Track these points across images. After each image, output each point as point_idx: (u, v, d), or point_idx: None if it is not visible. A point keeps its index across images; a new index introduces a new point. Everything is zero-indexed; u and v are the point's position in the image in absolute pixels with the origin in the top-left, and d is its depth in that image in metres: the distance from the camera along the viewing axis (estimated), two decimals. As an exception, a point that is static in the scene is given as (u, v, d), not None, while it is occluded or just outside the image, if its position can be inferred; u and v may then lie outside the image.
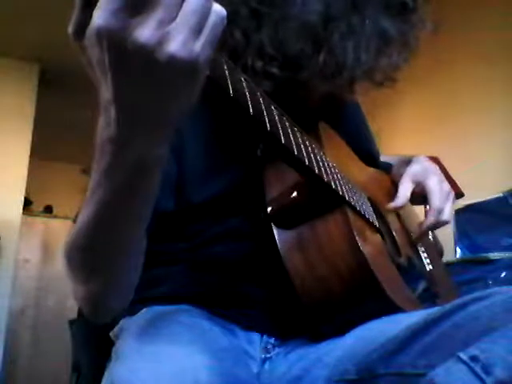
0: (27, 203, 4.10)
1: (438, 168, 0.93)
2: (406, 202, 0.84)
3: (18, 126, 3.50)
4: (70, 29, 0.39)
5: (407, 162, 0.95)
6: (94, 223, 0.49)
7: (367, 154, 0.94)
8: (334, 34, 0.64)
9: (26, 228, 3.90)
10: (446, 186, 0.88)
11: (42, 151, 4.12)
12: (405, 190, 0.84)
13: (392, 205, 0.83)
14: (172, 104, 0.40)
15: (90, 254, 0.53)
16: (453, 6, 2.47)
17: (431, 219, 0.83)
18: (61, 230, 4.34)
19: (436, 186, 0.86)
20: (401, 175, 0.90)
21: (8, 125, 3.44)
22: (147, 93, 0.39)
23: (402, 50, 0.70)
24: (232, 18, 0.66)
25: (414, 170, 0.89)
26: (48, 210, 4.77)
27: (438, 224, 0.84)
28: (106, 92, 0.39)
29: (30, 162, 3.51)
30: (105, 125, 0.41)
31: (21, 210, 3.47)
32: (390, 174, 1.00)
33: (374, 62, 0.66)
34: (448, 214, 0.85)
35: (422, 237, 0.90)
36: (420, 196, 0.88)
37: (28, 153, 3.50)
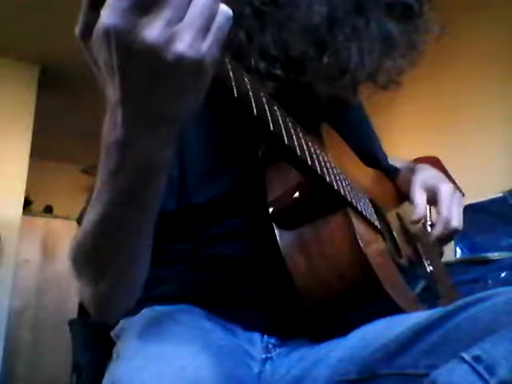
0: (27, 203, 4.10)
1: (442, 175, 0.91)
2: (425, 211, 0.82)
3: (18, 126, 3.49)
4: (77, 29, 0.39)
5: (411, 169, 0.94)
6: (101, 224, 0.49)
7: (370, 155, 0.93)
8: (338, 36, 0.64)
9: (26, 228, 3.90)
10: (458, 193, 0.86)
11: (42, 151, 4.11)
12: (421, 199, 0.83)
13: (415, 218, 0.81)
14: (179, 104, 0.40)
15: (97, 255, 0.53)
16: (454, 8, 2.47)
17: (440, 227, 0.81)
18: (61, 230, 4.34)
19: (448, 192, 0.83)
20: (407, 183, 0.90)
21: (8, 125, 3.44)
22: (154, 93, 0.39)
23: (408, 54, 0.70)
24: (236, 19, 0.66)
25: (422, 177, 0.87)
26: (48, 210, 4.77)
27: (448, 232, 0.82)
28: (112, 93, 0.39)
29: (30, 162, 3.51)
30: (111, 126, 0.41)
31: (21, 210, 3.46)
32: (397, 178, 1.00)
33: (377, 64, 0.66)
34: (459, 220, 0.82)
35: (431, 245, 0.89)
36: (430, 201, 0.86)
37: (28, 153, 3.50)
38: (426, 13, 0.70)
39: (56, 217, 4.60)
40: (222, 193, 0.72)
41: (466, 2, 2.60)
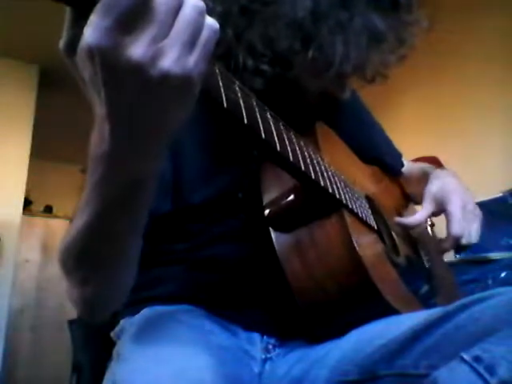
0: (27, 203, 4.10)
1: (457, 182, 0.88)
2: (416, 226, 0.83)
3: (18, 126, 3.49)
4: (61, 44, 0.39)
5: (426, 175, 0.93)
6: (88, 232, 0.49)
7: (370, 153, 0.93)
8: (322, 30, 0.64)
9: (26, 228, 3.90)
10: (470, 205, 0.84)
11: (42, 151, 4.11)
12: (422, 215, 0.82)
13: (399, 220, 0.82)
14: (166, 120, 0.40)
15: (83, 260, 0.53)
16: (455, 6, 2.47)
17: (447, 246, 0.81)
18: (61, 230, 4.33)
19: (457, 211, 0.81)
20: (415, 184, 0.89)
21: (8, 125, 3.43)
22: (141, 110, 0.38)
23: (396, 48, 0.70)
24: (224, 17, 0.66)
25: (433, 189, 0.86)
26: (48, 210, 4.76)
27: (458, 248, 0.82)
28: (99, 108, 0.39)
29: (30, 162, 3.51)
30: (99, 139, 0.41)
31: (21, 210, 3.46)
32: (401, 175, 1.01)
33: (364, 57, 0.66)
34: (475, 235, 0.81)
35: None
36: (439, 213, 0.85)
37: (28, 153, 3.49)
38: (413, 6, 0.70)
39: (56, 217, 4.59)
40: (219, 192, 0.72)
41: (467, 1, 2.60)
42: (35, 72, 3.56)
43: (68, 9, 0.38)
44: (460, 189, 0.86)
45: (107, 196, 0.45)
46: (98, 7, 0.34)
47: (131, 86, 0.36)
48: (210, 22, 0.39)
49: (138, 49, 0.35)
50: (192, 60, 0.38)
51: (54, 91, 3.76)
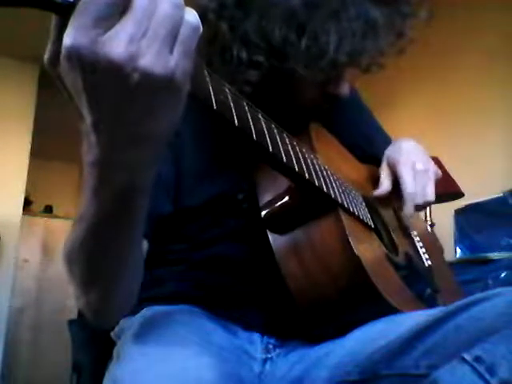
0: (27, 203, 4.10)
1: (409, 146, 0.87)
2: (385, 194, 0.81)
3: (18, 125, 3.50)
4: (46, 57, 0.38)
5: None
6: (88, 239, 0.49)
7: (368, 152, 0.93)
8: (315, 19, 0.64)
9: (26, 228, 3.90)
10: (420, 164, 0.82)
11: (42, 151, 4.12)
12: (384, 182, 0.82)
13: (376, 193, 0.81)
14: (154, 124, 0.39)
15: (86, 267, 0.52)
16: (455, 7, 2.47)
17: (408, 208, 0.78)
18: (61, 230, 4.34)
19: (406, 171, 0.80)
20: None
21: (8, 125, 3.44)
22: (125, 114, 0.37)
23: (393, 38, 0.69)
24: (218, 12, 0.66)
25: (388, 153, 0.86)
26: (48, 209, 4.77)
27: (419, 208, 0.80)
28: (85, 117, 0.38)
29: (30, 162, 3.51)
30: (87, 148, 0.40)
31: (21, 210, 3.47)
32: None
33: (358, 46, 0.65)
34: (430, 193, 0.80)
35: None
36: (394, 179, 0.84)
37: (28, 153, 3.50)
38: None
39: (56, 217, 4.60)
40: (219, 194, 0.72)
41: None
42: (35, 72, 3.56)
43: (53, 21, 0.37)
44: (411, 150, 0.85)
45: (103, 201, 0.44)
46: (76, 7, 0.33)
47: (112, 88, 0.35)
48: (190, 18, 0.37)
49: (116, 48, 0.34)
50: (173, 59, 0.36)
51: (54, 91, 3.75)
